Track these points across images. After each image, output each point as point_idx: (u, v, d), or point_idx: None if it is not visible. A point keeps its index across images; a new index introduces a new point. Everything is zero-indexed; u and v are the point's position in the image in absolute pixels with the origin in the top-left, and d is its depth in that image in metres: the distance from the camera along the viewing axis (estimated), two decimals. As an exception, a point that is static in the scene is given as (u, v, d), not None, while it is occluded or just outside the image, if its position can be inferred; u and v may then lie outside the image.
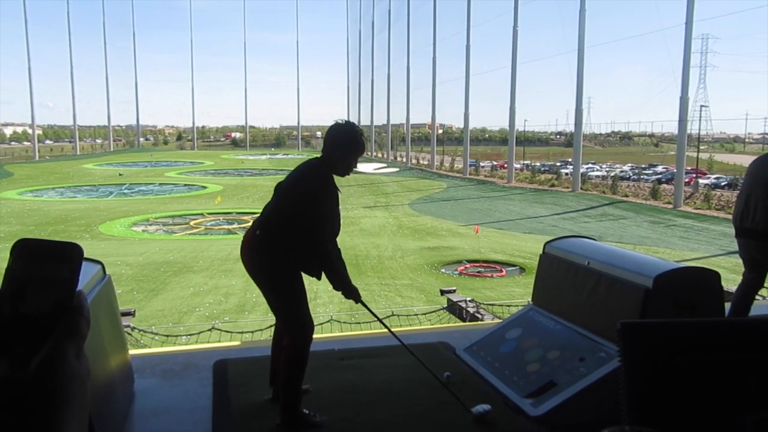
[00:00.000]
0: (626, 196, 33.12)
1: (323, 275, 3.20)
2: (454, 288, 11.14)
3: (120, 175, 46.35)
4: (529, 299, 4.38)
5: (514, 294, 12.46)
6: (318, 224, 3.08)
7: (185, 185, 40.60)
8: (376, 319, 3.78)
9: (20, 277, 0.55)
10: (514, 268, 16.00)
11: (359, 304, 3.39)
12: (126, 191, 37.41)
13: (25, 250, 0.56)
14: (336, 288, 3.24)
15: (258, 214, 3.31)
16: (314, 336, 3.20)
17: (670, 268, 3.33)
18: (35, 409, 0.49)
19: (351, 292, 3.24)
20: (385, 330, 3.69)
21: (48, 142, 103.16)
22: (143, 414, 3.25)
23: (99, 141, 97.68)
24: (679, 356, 0.74)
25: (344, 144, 3.20)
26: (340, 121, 3.29)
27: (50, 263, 0.56)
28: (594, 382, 3.15)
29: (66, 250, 0.57)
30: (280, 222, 3.14)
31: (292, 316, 3.13)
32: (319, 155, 3.29)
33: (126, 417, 3.17)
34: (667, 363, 0.73)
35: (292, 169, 3.37)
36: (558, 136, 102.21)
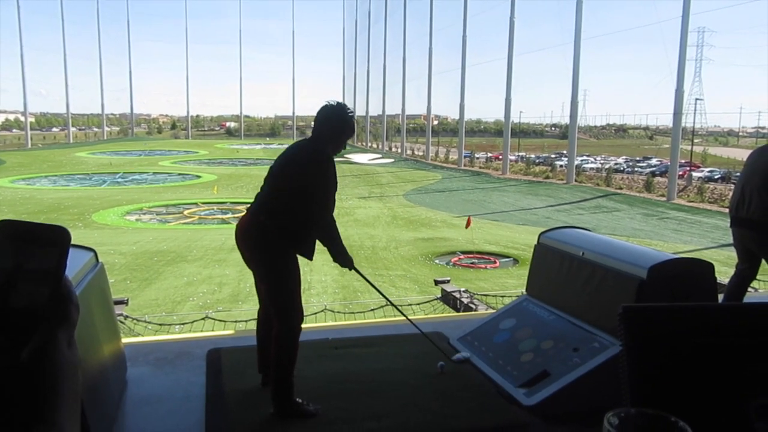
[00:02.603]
0: (620, 188, 33.22)
1: (313, 252, 3.24)
2: (449, 278, 11.17)
3: (110, 164, 46.10)
4: (523, 290, 4.39)
5: (507, 285, 12.49)
6: (326, 201, 3.14)
7: (179, 174, 40.45)
8: (379, 293, 3.82)
9: (8, 267, 0.53)
10: (507, 259, 16.04)
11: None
12: (119, 180, 37.25)
13: (9, 234, 0.54)
14: (336, 259, 3.30)
15: (253, 201, 3.29)
16: (309, 325, 3.23)
17: (664, 259, 3.33)
18: (28, 398, 0.49)
19: (347, 261, 3.32)
20: (379, 319, 3.71)
21: (53, 129, 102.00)
22: (136, 402, 3.24)
23: (95, 129, 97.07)
24: (682, 340, 0.73)
25: (335, 125, 3.22)
26: (331, 102, 3.29)
27: (38, 248, 0.53)
28: (587, 372, 3.15)
29: (52, 234, 0.54)
30: (280, 202, 3.14)
31: (287, 302, 3.12)
32: (306, 138, 3.33)
33: (119, 405, 3.16)
34: (669, 347, 0.73)
35: (279, 155, 3.36)
36: (553, 128, 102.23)
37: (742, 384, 0.75)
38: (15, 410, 0.48)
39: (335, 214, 3.28)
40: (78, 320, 0.56)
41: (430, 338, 3.62)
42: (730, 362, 0.76)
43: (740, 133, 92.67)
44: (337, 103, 3.30)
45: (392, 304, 3.88)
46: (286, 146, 3.47)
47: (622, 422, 0.53)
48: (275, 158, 3.37)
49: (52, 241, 0.54)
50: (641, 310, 0.78)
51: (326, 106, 3.26)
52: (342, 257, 3.28)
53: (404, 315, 3.70)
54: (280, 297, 3.14)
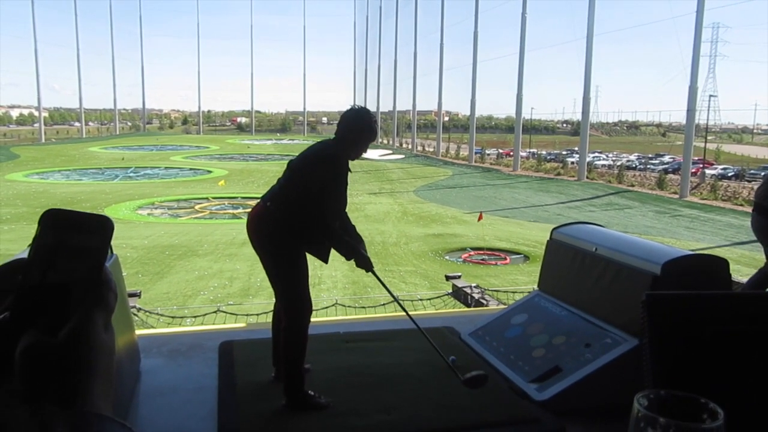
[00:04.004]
0: (632, 185, 33.00)
1: (330, 254, 3.25)
2: (460, 274, 11.16)
3: (123, 159, 46.42)
4: (534, 286, 4.37)
5: (518, 282, 12.47)
6: (329, 202, 3.14)
7: (190, 169, 40.66)
8: (387, 292, 3.80)
9: (49, 245, 0.54)
10: (518, 256, 16.00)
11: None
12: (131, 175, 37.50)
13: (55, 221, 0.55)
14: (348, 258, 3.26)
15: (266, 191, 3.34)
16: (319, 319, 3.25)
17: (678, 255, 3.30)
18: (64, 376, 0.50)
19: (363, 261, 3.27)
20: (390, 314, 3.71)
21: (75, 124, 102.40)
22: (150, 393, 3.27)
23: (106, 124, 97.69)
24: (705, 328, 0.72)
25: (357, 129, 3.25)
26: (356, 107, 3.34)
27: (81, 234, 0.54)
28: (599, 368, 3.14)
29: (97, 222, 0.56)
30: (291, 196, 3.17)
31: (293, 294, 3.14)
32: (331, 138, 3.36)
33: (133, 395, 3.19)
34: (692, 335, 0.72)
35: (301, 152, 3.42)
36: (564, 125, 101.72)
37: (765, 371, 0.74)
38: (55, 386, 0.49)
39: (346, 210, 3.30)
40: (115, 307, 0.57)
41: (433, 342, 3.58)
42: (753, 350, 0.76)
43: (755, 131, 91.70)
44: (361, 107, 3.35)
45: (403, 308, 3.86)
46: (297, 142, 3.51)
47: (651, 403, 0.53)
48: (294, 153, 3.42)
49: (95, 229, 0.55)
50: (664, 298, 0.78)
51: (351, 109, 3.32)
52: (353, 255, 3.24)
53: (411, 318, 3.65)
54: (286, 289, 3.17)
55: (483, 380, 3.07)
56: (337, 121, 3.36)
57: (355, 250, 3.26)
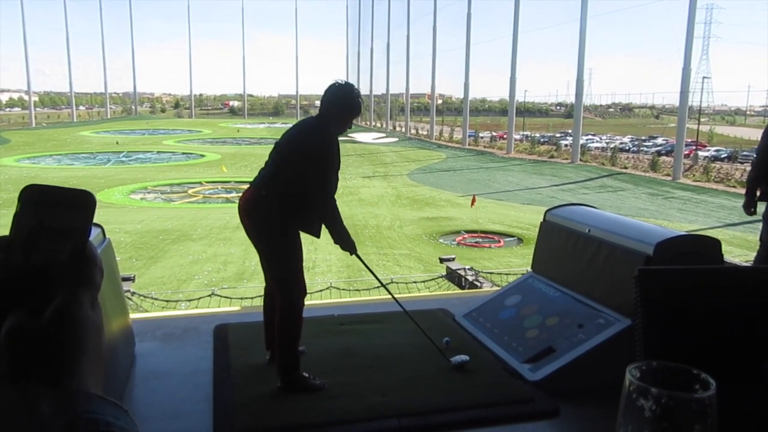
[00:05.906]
0: (625, 167, 33.08)
1: (322, 231, 3.25)
2: (453, 256, 11.19)
3: (117, 143, 46.10)
4: (528, 268, 4.39)
5: (512, 264, 12.52)
6: (327, 179, 3.12)
7: (183, 153, 40.44)
8: (375, 278, 3.83)
9: (32, 225, 0.53)
10: (512, 238, 16.05)
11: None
12: (124, 159, 37.27)
13: (35, 196, 0.54)
14: (336, 241, 3.29)
15: (257, 175, 3.31)
16: (315, 302, 3.26)
17: (671, 235, 3.32)
18: (52, 355, 0.49)
19: (349, 245, 3.31)
20: (384, 296, 3.72)
21: (81, 108, 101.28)
22: (145, 376, 3.27)
23: (98, 108, 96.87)
24: (695, 302, 0.73)
25: (341, 105, 3.21)
26: (339, 82, 3.28)
27: (63, 210, 0.53)
28: (592, 348, 3.16)
29: (79, 197, 0.55)
30: (288, 181, 3.14)
31: (290, 277, 3.14)
32: (313, 116, 3.34)
33: (127, 379, 3.19)
34: (684, 308, 0.73)
35: (285, 131, 3.39)
36: (558, 107, 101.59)
37: (756, 343, 0.75)
38: (42, 365, 0.49)
39: (336, 194, 3.28)
40: (102, 284, 0.56)
41: (427, 333, 3.60)
42: (743, 322, 0.76)
43: (748, 112, 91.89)
44: (345, 82, 3.28)
45: (392, 295, 3.87)
46: (289, 125, 3.48)
47: (643, 374, 0.53)
48: (282, 135, 3.38)
49: (77, 204, 0.54)
50: (656, 273, 0.78)
51: (334, 85, 3.24)
52: (343, 240, 3.28)
53: (403, 307, 3.68)
54: (280, 272, 3.16)
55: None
56: None
57: (345, 234, 3.27)
